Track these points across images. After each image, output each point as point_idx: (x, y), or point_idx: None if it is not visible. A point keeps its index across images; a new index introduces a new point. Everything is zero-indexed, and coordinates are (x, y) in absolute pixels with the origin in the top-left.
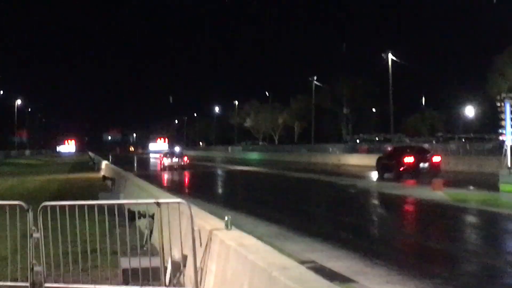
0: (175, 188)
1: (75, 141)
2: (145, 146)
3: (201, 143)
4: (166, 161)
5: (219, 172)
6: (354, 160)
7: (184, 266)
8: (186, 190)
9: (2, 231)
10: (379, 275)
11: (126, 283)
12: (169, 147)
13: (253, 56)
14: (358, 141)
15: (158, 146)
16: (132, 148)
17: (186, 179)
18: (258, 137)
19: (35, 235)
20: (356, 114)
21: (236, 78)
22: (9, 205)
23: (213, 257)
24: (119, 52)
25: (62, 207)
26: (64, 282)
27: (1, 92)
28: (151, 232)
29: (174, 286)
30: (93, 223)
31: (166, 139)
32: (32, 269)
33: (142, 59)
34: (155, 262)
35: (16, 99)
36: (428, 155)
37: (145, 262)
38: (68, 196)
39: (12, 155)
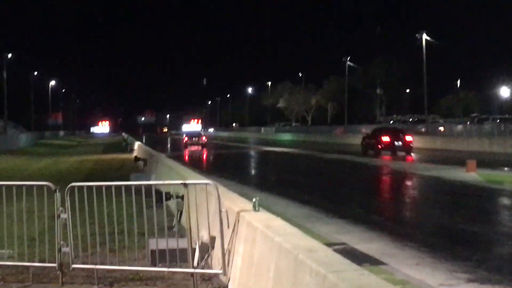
0: (206, 169)
1: (109, 122)
2: (178, 128)
3: (234, 124)
4: (187, 140)
5: (252, 153)
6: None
7: (213, 247)
8: (218, 172)
9: (30, 212)
10: (410, 257)
11: (154, 265)
12: (202, 129)
13: (286, 37)
14: (391, 122)
15: (191, 127)
16: (165, 130)
17: (219, 161)
18: (291, 118)
19: (63, 216)
20: (389, 95)
21: (270, 59)
22: (37, 185)
23: (241, 239)
24: (154, 34)
25: (90, 188)
26: (92, 263)
27: (35, 73)
28: (180, 213)
29: (202, 268)
30: (121, 204)
31: (200, 121)
32: (60, 250)
33: (177, 41)
34: (183, 243)
35: (50, 80)
36: (401, 134)
37: (173, 243)
38: (100, 177)
39: (46, 136)
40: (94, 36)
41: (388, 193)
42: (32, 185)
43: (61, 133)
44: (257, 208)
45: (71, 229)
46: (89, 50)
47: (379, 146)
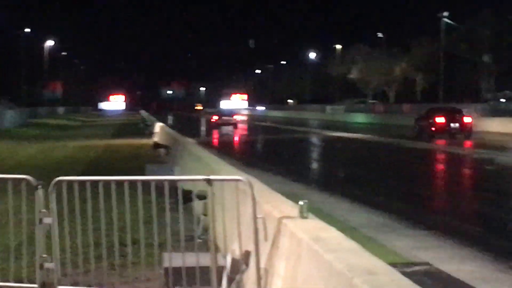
0: (248, 161)
1: (124, 96)
2: (216, 104)
3: (290, 101)
4: (218, 119)
5: (312, 140)
6: (495, 125)
7: (247, 265)
8: (264, 164)
9: (3, 215)
10: None
11: (168, 287)
12: (249, 106)
13: None
14: (503, 100)
15: (233, 103)
16: (200, 107)
17: (266, 150)
18: (367, 93)
19: (46, 220)
20: (500, 65)
21: (338, 15)
22: (13, 179)
23: (282, 254)
24: None
25: (83, 184)
26: (84, 284)
27: (27, 30)
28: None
29: None
30: (128, 206)
31: (245, 95)
32: (41, 266)
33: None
34: (207, 260)
35: (47, 40)
36: (458, 115)
37: (193, 259)
38: (106, 169)
39: (40, 113)
40: None
41: (491, 194)
42: (6, 179)
43: (60, 109)
44: (304, 214)
45: (57, 239)
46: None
47: (432, 129)
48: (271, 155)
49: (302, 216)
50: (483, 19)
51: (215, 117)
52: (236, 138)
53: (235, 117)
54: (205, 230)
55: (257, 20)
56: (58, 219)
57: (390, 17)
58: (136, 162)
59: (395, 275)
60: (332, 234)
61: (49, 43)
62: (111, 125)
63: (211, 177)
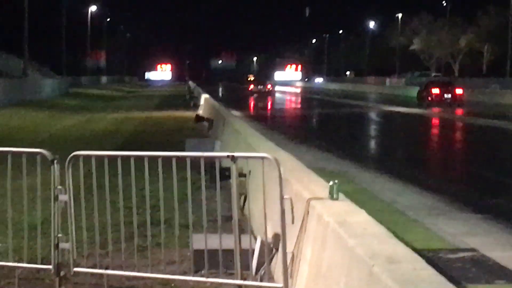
0: (297, 136)
1: (171, 66)
2: (269, 76)
3: (348, 73)
4: (253, 88)
5: (369, 115)
6: None
7: (276, 249)
8: (316, 140)
9: (16, 191)
10: None
11: (198, 270)
12: (304, 78)
13: None
14: None
15: (288, 75)
16: (252, 77)
17: (319, 126)
18: (429, 66)
19: (62, 197)
20: None
21: None
22: (27, 153)
23: (309, 238)
24: None
25: (112, 159)
26: (102, 266)
27: None
28: (245, 198)
29: (259, 278)
30: (157, 183)
31: (300, 66)
32: (57, 246)
33: None
34: (239, 242)
35: (90, 6)
36: (451, 87)
37: (226, 242)
38: (143, 143)
39: (83, 83)
40: None
41: None
42: (22, 152)
43: (104, 79)
44: (334, 195)
45: (73, 218)
46: None
47: (429, 98)
48: (322, 131)
49: (332, 197)
50: None
51: (251, 86)
52: (286, 113)
53: (268, 86)
54: (241, 210)
55: None
56: (76, 196)
57: None
58: (177, 136)
59: (419, 264)
60: (360, 218)
61: (92, 8)
62: (155, 96)
63: (235, 154)
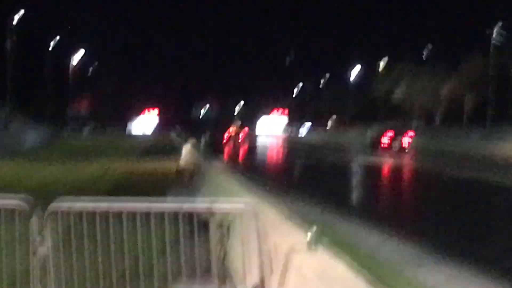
0: (279, 187)
1: (158, 111)
2: (254, 122)
3: (330, 122)
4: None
5: (352, 167)
6: None
7: None
8: (295, 190)
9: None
10: None
11: None
12: (288, 123)
13: None
14: None
15: (272, 124)
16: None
17: (301, 176)
18: (412, 115)
19: (41, 250)
20: None
21: (381, 30)
22: (5, 205)
23: None
24: None
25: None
26: None
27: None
28: (225, 249)
29: None
30: (137, 234)
31: (286, 111)
32: None
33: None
34: None
35: (74, 55)
36: (399, 136)
37: None
38: (128, 193)
39: (64, 133)
40: None
41: None
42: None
43: (86, 129)
44: (313, 246)
45: (52, 270)
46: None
47: (379, 147)
48: (303, 181)
49: (311, 248)
50: None
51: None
52: (269, 163)
53: (240, 135)
54: (222, 261)
55: (297, 35)
56: (56, 247)
57: (437, 35)
58: (159, 187)
59: None
60: (338, 269)
61: (77, 56)
62: (138, 147)
63: (214, 205)
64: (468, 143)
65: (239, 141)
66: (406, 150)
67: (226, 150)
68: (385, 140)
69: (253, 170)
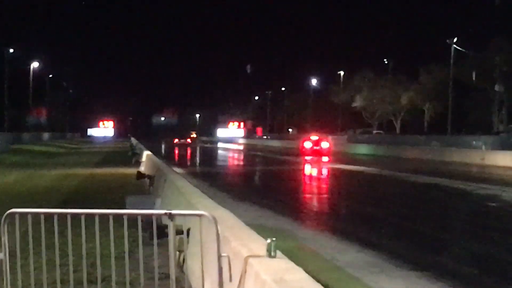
0: (239, 193)
1: (113, 122)
2: (212, 132)
3: (290, 130)
4: (176, 140)
5: (313, 171)
6: (505, 159)
7: None
8: (256, 197)
9: None
10: None
11: None
12: (246, 134)
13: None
14: None
15: (230, 132)
16: (194, 135)
17: (260, 183)
18: (372, 123)
19: None
20: None
21: (342, 40)
22: None
23: None
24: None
25: (38, 216)
26: None
27: (11, 50)
28: (184, 256)
29: None
30: (94, 239)
31: (242, 123)
32: None
33: (208, 12)
34: None
35: (32, 62)
36: (319, 141)
37: None
38: (85, 200)
39: (24, 139)
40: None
41: (492, 233)
42: None
43: (46, 135)
44: (272, 253)
45: (8, 277)
46: (87, 22)
47: (303, 151)
48: (262, 188)
49: (270, 255)
50: (495, 45)
51: (175, 140)
52: (229, 170)
53: (188, 140)
54: (181, 267)
55: (256, 45)
56: (12, 255)
57: (397, 43)
58: (118, 193)
59: None
60: (297, 276)
61: (35, 65)
62: (98, 153)
63: (173, 211)
64: (426, 150)
65: (184, 142)
66: (324, 154)
67: (193, 157)
68: (307, 145)
69: (216, 177)
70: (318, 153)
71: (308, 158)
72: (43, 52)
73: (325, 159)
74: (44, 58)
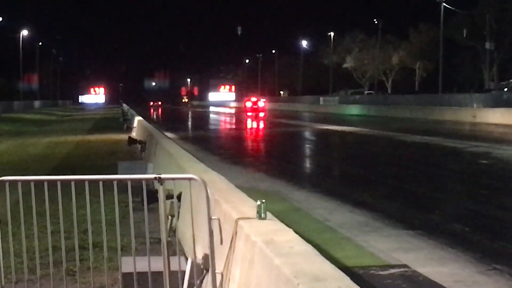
0: (232, 157)
1: (104, 89)
2: (203, 97)
3: (282, 93)
4: (152, 105)
5: (303, 133)
6: (497, 116)
7: (207, 270)
8: (249, 161)
9: None
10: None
11: None
12: (237, 97)
13: None
14: (506, 89)
15: (222, 96)
16: (186, 99)
17: (256, 146)
18: (363, 84)
19: None
20: (503, 51)
21: (332, 1)
22: None
23: (237, 258)
24: None
25: (28, 184)
26: None
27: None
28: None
29: None
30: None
31: (233, 87)
32: None
33: None
34: (168, 264)
35: (22, 30)
36: (257, 100)
37: (155, 263)
38: (77, 167)
39: (15, 107)
40: None
41: (483, 191)
42: None
43: (37, 103)
44: (262, 215)
45: (0, 245)
46: None
47: (245, 109)
48: (256, 150)
49: (260, 217)
50: (485, 4)
51: (150, 103)
52: (221, 134)
53: (159, 102)
54: (173, 231)
55: (246, 7)
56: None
57: (386, 3)
58: (110, 159)
59: (345, 282)
60: (287, 236)
61: (24, 32)
62: (89, 120)
63: (162, 175)
64: (418, 109)
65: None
66: (260, 110)
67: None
68: (248, 104)
69: (209, 141)
70: (256, 110)
71: (249, 114)
72: (32, 21)
73: (261, 114)
74: (33, 26)
